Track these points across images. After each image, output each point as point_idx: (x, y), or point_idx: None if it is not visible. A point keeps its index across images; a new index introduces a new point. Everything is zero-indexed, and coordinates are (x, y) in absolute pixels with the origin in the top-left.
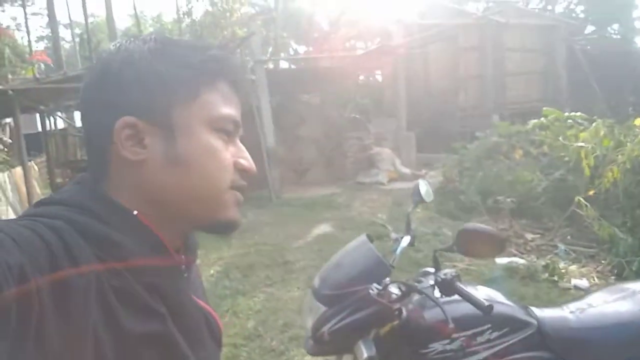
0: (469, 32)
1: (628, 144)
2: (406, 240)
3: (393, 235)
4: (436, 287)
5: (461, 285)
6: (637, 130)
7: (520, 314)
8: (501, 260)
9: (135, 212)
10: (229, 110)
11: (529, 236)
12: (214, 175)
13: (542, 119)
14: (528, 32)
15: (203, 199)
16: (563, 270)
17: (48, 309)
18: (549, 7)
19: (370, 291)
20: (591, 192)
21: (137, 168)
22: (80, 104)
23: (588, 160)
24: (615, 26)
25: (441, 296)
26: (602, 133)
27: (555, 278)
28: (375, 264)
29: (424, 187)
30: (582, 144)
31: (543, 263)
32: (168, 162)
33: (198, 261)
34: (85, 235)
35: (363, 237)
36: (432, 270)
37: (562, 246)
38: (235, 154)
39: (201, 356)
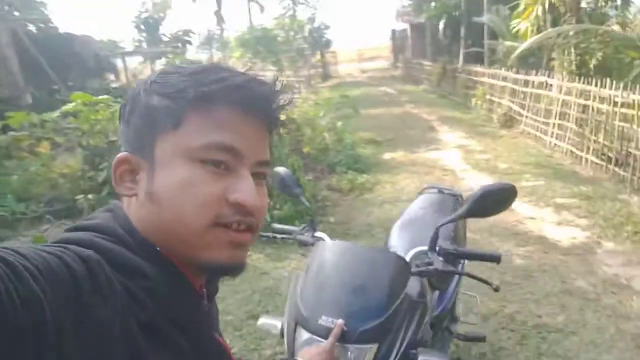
0: None
1: None
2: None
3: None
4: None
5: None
6: None
7: None
8: None
9: (158, 248)
10: (221, 137)
11: None
12: (186, 212)
13: (72, 104)
14: None
15: (181, 239)
16: None
17: (68, 340)
18: None
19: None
20: None
21: (133, 203)
22: None
23: None
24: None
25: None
26: None
27: None
28: (396, 264)
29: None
30: None
31: None
32: (146, 198)
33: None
34: (115, 265)
35: (350, 244)
36: (424, 248)
37: None
38: (229, 186)
39: None
